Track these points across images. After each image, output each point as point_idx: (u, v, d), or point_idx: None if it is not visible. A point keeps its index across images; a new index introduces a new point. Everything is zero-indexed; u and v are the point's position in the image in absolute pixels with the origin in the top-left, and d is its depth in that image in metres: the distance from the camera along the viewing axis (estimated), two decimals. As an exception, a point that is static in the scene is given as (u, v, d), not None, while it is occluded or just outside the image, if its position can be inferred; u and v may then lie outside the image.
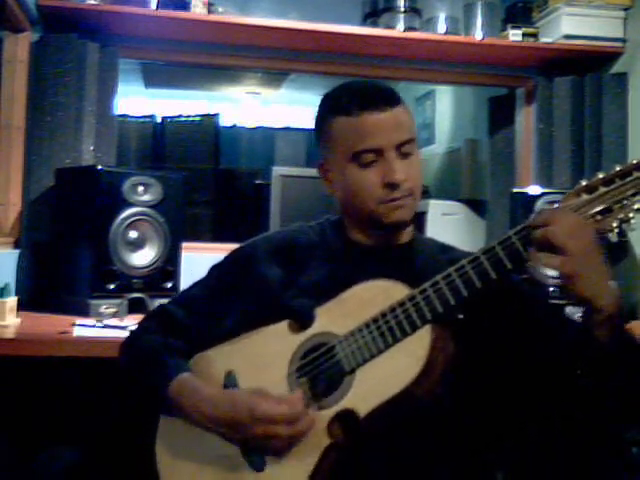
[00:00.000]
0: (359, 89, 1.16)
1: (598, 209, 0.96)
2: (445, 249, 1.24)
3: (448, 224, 2.70)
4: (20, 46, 2.34)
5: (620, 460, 1.59)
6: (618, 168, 0.97)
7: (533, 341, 1.07)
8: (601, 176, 0.97)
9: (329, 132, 1.16)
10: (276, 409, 1.00)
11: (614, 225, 0.95)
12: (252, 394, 1.03)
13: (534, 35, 2.61)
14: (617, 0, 2.59)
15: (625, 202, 0.95)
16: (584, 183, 0.98)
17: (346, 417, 1.00)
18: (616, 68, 2.65)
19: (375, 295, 1.04)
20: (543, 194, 2.29)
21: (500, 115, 2.98)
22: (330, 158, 1.18)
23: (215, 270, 1.26)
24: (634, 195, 0.94)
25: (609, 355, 0.96)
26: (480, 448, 1.14)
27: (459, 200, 3.10)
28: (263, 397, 1.02)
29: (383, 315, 1.02)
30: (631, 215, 0.94)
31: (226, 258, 1.26)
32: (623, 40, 2.61)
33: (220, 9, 2.49)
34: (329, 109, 1.17)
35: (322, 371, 1.05)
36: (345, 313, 1.06)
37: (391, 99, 1.13)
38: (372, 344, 1.01)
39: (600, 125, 2.62)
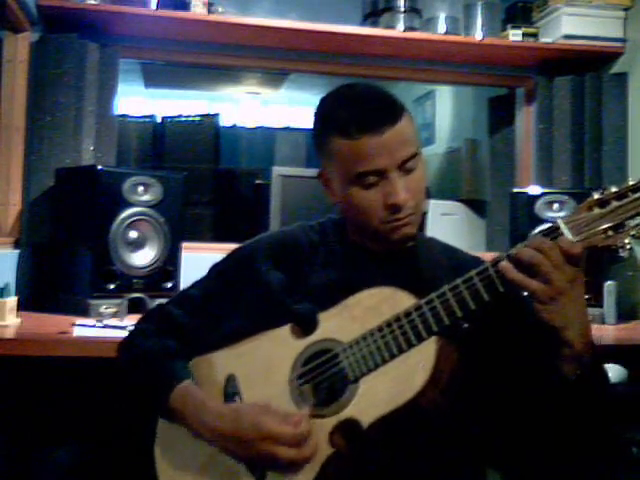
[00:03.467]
0: (358, 106, 1.09)
1: (610, 224, 0.94)
2: (449, 251, 1.23)
3: (448, 224, 2.71)
4: (20, 46, 2.34)
5: (620, 460, 1.59)
6: (631, 182, 0.94)
7: (534, 351, 1.06)
8: (614, 190, 0.95)
9: (328, 149, 1.12)
10: (281, 429, 0.97)
11: (626, 241, 0.93)
12: (258, 410, 1.01)
13: (534, 35, 2.61)
14: (617, 0, 2.59)
15: (638, 218, 0.93)
16: (596, 196, 0.95)
17: (349, 426, 0.99)
18: (616, 68, 2.65)
19: (380, 303, 1.03)
20: (543, 194, 2.29)
21: (500, 115, 2.98)
22: (330, 172, 1.15)
23: (215, 270, 1.24)
24: None
25: (573, 392, 0.97)
26: (484, 456, 1.14)
27: (459, 200, 3.10)
28: (270, 414, 1.00)
29: (388, 324, 1.00)
30: None
31: (226, 258, 1.24)
32: (623, 40, 2.62)
33: (220, 9, 2.49)
34: (327, 125, 1.12)
35: (325, 378, 1.03)
36: (349, 320, 1.04)
37: (392, 116, 1.07)
38: (377, 353, 1.00)
39: (600, 125, 2.62)
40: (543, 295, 0.93)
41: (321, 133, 1.14)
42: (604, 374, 1.02)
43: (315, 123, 1.16)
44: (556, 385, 0.98)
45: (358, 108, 1.09)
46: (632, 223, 0.93)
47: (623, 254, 0.94)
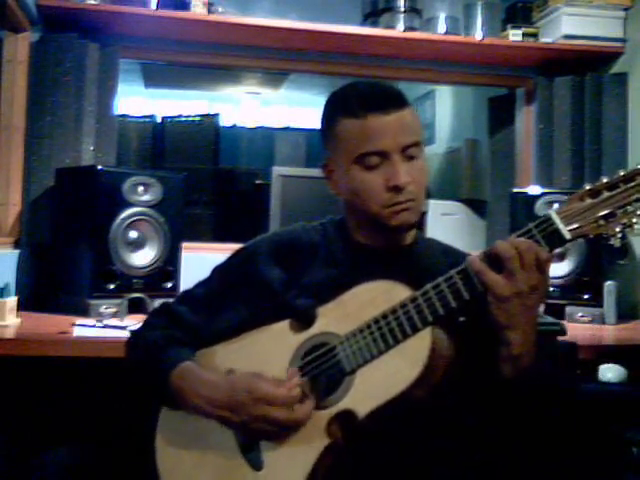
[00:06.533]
0: (365, 90, 1.15)
1: (602, 214, 0.96)
2: (447, 252, 1.24)
3: (448, 224, 2.70)
4: (20, 46, 2.34)
5: (620, 460, 1.59)
6: (622, 173, 0.96)
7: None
8: (605, 180, 0.97)
9: (334, 132, 1.15)
10: (275, 390, 1.01)
11: (617, 230, 0.95)
12: (251, 375, 1.05)
13: (534, 35, 2.61)
14: (617, 0, 2.59)
15: (629, 207, 0.95)
16: (588, 187, 0.98)
17: (345, 417, 1.00)
18: (616, 68, 2.65)
19: (376, 296, 1.04)
20: (543, 194, 2.29)
21: (500, 115, 2.98)
22: (334, 158, 1.17)
23: (218, 270, 1.26)
24: (638, 200, 0.94)
25: (507, 389, 1.01)
26: (479, 449, 1.14)
27: (459, 200, 3.10)
28: (262, 378, 1.03)
29: (384, 316, 1.01)
30: (634, 220, 0.94)
31: (228, 259, 1.26)
32: (623, 40, 2.62)
33: (220, 9, 2.49)
34: (335, 109, 1.16)
35: (322, 371, 1.05)
36: (346, 313, 1.05)
37: (398, 101, 1.11)
38: (373, 345, 1.01)
39: (600, 125, 2.62)
40: (500, 290, 0.96)
41: (329, 118, 1.17)
42: (550, 386, 1.05)
43: (324, 111, 1.20)
44: (496, 382, 1.01)
45: (365, 91, 1.14)
46: (622, 212, 0.95)
47: (615, 243, 0.96)
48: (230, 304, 1.20)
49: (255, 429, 1.03)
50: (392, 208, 1.10)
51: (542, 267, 0.96)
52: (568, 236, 0.96)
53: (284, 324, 1.11)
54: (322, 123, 1.20)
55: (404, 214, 1.11)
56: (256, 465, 1.05)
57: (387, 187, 1.09)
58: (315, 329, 1.08)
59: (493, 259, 0.97)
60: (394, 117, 1.09)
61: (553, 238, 0.97)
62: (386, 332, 1.01)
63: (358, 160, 1.11)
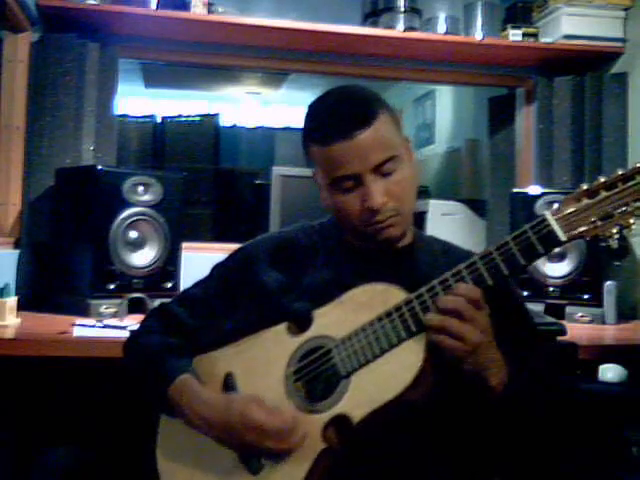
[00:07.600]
0: (329, 114, 1.10)
1: (598, 215, 0.94)
2: (446, 249, 1.23)
3: (448, 224, 2.70)
4: (20, 46, 2.34)
5: (620, 460, 1.59)
6: (620, 172, 0.95)
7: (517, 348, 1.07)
8: (602, 180, 0.96)
9: (310, 156, 1.15)
10: (267, 421, 1.00)
11: (614, 231, 0.94)
12: (247, 400, 1.04)
13: (534, 35, 2.61)
14: (617, 0, 2.59)
15: (625, 208, 0.93)
16: (585, 187, 0.96)
17: (340, 422, 1.00)
18: (616, 68, 2.65)
19: (372, 298, 1.03)
20: (543, 194, 2.29)
21: (500, 115, 2.98)
22: (316, 177, 1.18)
23: (216, 270, 1.26)
24: (635, 201, 0.93)
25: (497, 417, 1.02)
26: (476, 452, 1.14)
27: (459, 200, 3.09)
28: (257, 405, 1.02)
29: (379, 319, 1.01)
30: (631, 221, 0.93)
31: (227, 259, 1.26)
32: (623, 40, 2.62)
33: (220, 9, 2.49)
34: (306, 133, 1.15)
35: (318, 374, 1.04)
36: (342, 316, 1.05)
37: (364, 120, 1.07)
38: (368, 349, 1.01)
39: (600, 125, 2.62)
40: (460, 352, 0.95)
41: (303, 141, 1.17)
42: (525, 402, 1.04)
43: (302, 132, 1.18)
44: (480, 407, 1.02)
45: (329, 115, 1.11)
46: (619, 213, 0.93)
47: (612, 245, 0.94)
48: (228, 307, 1.20)
49: (250, 452, 1.03)
50: (373, 227, 1.10)
51: (477, 302, 0.96)
52: (563, 238, 0.95)
53: (281, 327, 1.11)
54: (301, 141, 1.18)
55: (387, 230, 1.11)
56: (253, 469, 1.05)
57: (363, 208, 1.09)
58: (312, 332, 1.07)
59: (448, 311, 0.97)
60: (360, 138, 1.06)
61: (548, 239, 0.96)
62: (381, 335, 1.00)
63: (333, 184, 1.11)
